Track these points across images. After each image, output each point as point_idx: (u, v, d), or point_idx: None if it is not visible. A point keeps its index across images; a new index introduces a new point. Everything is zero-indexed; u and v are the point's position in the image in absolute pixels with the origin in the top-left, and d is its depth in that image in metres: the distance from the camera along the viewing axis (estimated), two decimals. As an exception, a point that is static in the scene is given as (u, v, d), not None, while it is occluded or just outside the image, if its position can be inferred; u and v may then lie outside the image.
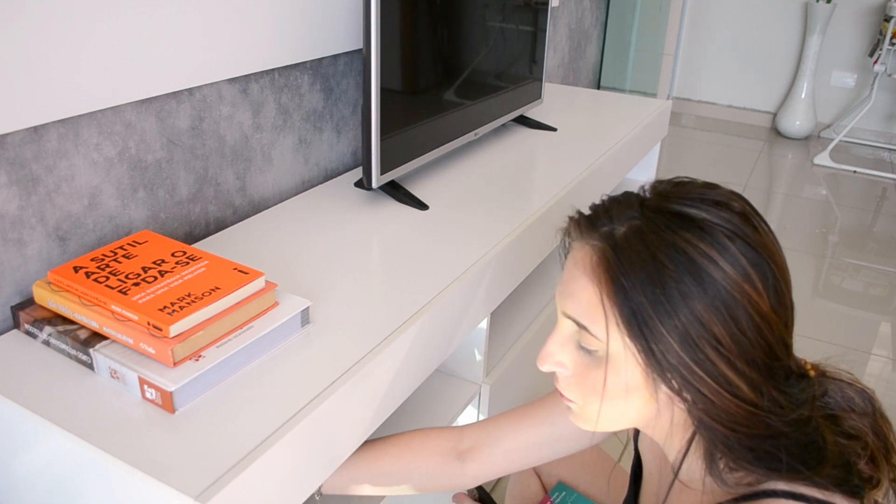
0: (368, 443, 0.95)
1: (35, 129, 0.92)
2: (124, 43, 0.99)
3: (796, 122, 3.84)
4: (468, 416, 1.29)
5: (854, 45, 3.75)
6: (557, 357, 0.67)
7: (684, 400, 0.60)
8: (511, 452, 0.89)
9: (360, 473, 0.92)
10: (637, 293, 0.58)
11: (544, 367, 0.68)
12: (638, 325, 0.59)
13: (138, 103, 1.05)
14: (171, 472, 0.68)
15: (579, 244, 0.64)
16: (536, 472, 1.12)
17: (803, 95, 3.81)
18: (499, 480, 1.44)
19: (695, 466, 0.66)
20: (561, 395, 0.69)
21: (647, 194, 0.64)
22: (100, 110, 0.99)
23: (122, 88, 1.00)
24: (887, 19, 3.38)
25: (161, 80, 1.06)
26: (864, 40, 3.72)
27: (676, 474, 0.68)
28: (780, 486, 0.60)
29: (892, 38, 3.35)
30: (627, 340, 0.60)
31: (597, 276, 0.61)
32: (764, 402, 0.59)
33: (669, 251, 0.58)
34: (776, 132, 3.98)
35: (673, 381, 0.59)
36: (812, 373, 0.64)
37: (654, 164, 2.23)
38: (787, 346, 0.61)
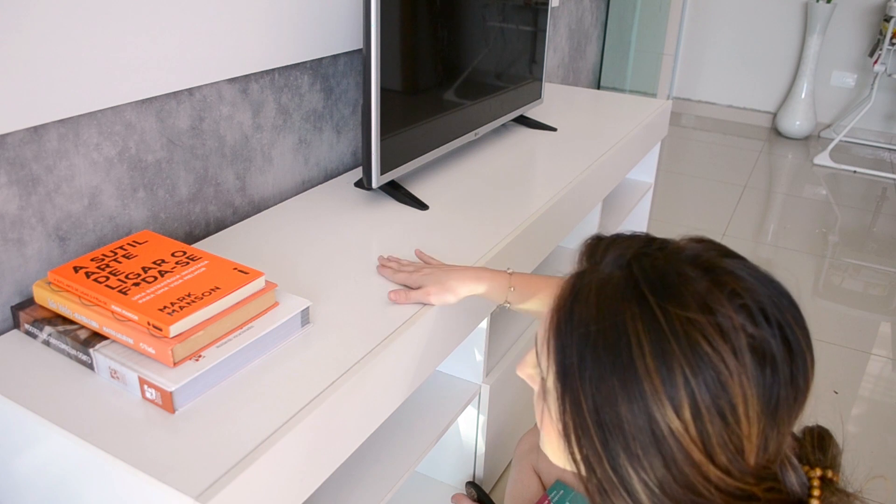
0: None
1: (35, 129, 0.92)
2: (124, 43, 0.99)
3: (796, 122, 3.83)
4: (468, 416, 1.29)
5: (854, 45, 3.74)
6: (529, 370, 0.67)
7: (580, 472, 0.56)
8: None
9: None
10: (571, 351, 0.54)
11: (519, 373, 0.68)
12: (563, 380, 0.55)
13: (138, 103, 1.05)
14: (171, 472, 0.68)
15: (575, 268, 0.60)
16: (536, 471, 1.12)
17: (803, 95, 3.80)
18: (498, 480, 1.44)
19: None
20: None
21: (656, 249, 0.57)
22: (100, 110, 0.99)
23: (122, 88, 1.00)
24: (887, 19, 3.38)
25: (161, 80, 1.06)
26: (864, 40, 3.72)
27: None
28: None
29: (892, 38, 3.35)
30: (554, 385, 0.57)
31: (552, 311, 0.57)
32: None
33: (612, 332, 0.52)
34: (776, 132, 3.98)
35: (576, 449, 0.55)
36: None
37: (654, 164, 2.23)
38: (716, 483, 0.52)
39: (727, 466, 0.52)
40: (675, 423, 0.50)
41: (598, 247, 0.59)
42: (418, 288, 0.99)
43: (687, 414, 0.50)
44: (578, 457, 0.55)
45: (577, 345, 0.54)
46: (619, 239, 0.59)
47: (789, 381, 0.52)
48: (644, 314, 0.52)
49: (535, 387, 0.65)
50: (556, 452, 0.62)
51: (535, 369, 0.65)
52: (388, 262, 1.07)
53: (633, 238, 0.59)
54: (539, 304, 0.96)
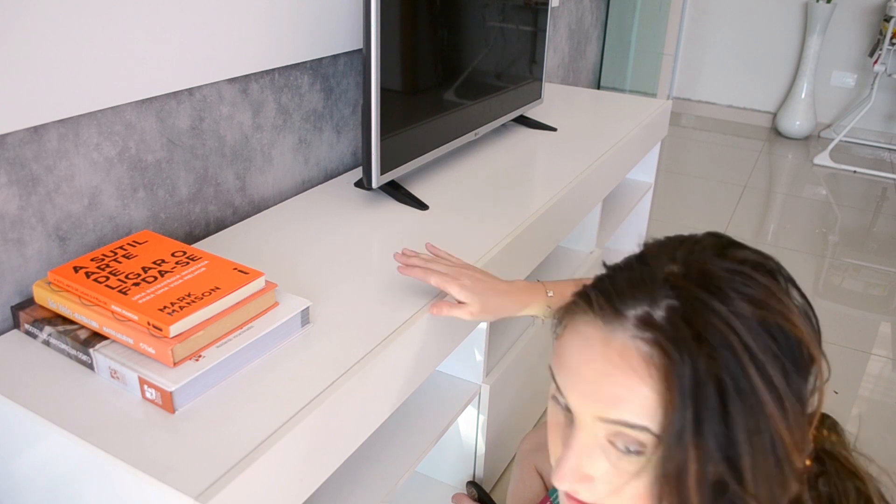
0: None
1: (35, 129, 0.92)
2: (124, 43, 0.99)
3: (796, 122, 3.83)
4: (468, 416, 1.29)
5: (854, 45, 3.74)
6: (586, 470, 0.56)
7: None
8: None
9: None
10: (692, 395, 0.51)
11: (566, 486, 0.57)
12: (692, 430, 0.51)
13: (138, 103, 1.05)
14: (171, 472, 0.68)
15: (602, 333, 0.54)
16: (538, 471, 1.12)
17: (803, 95, 3.80)
18: (499, 480, 1.44)
19: None
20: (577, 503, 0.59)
21: (668, 265, 0.55)
22: (100, 110, 0.99)
23: (122, 88, 1.00)
24: (887, 19, 3.38)
25: (161, 80, 1.06)
26: (864, 40, 3.72)
27: None
28: None
29: (892, 38, 3.35)
30: (677, 443, 0.52)
31: (656, 373, 0.52)
32: None
33: (722, 344, 0.51)
34: (776, 132, 3.98)
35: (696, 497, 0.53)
36: (809, 462, 0.57)
37: (654, 164, 2.23)
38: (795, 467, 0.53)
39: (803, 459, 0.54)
40: (784, 433, 0.51)
41: (616, 298, 0.55)
42: (460, 303, 0.94)
43: (785, 412, 0.52)
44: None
45: (700, 390, 0.51)
46: (624, 281, 0.56)
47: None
48: (724, 312, 0.52)
49: (594, 482, 0.57)
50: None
51: (594, 465, 0.56)
52: (411, 261, 0.98)
53: (633, 273, 0.57)
54: None
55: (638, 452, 0.54)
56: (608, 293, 0.55)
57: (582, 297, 0.58)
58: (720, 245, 0.57)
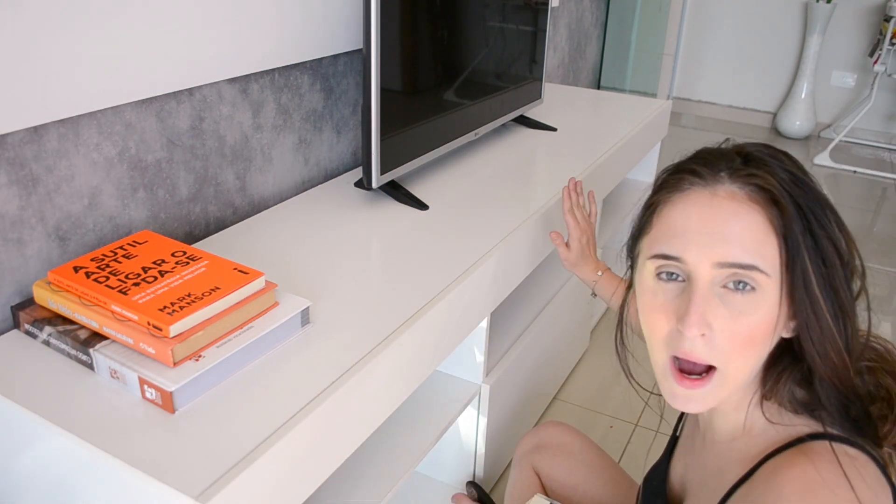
0: None
1: (35, 129, 0.92)
2: (124, 43, 0.99)
3: (796, 122, 3.83)
4: (468, 416, 1.29)
5: (854, 45, 3.74)
6: (708, 318, 0.63)
7: (797, 331, 0.64)
8: None
9: None
10: (791, 217, 0.62)
11: (697, 331, 0.63)
12: (794, 249, 0.62)
13: (138, 103, 1.05)
14: (171, 472, 0.68)
15: (707, 190, 0.65)
16: (536, 471, 1.12)
17: (803, 95, 3.80)
18: (499, 480, 1.44)
19: (737, 419, 0.70)
20: (689, 382, 0.66)
21: (727, 147, 0.69)
22: (100, 110, 0.99)
23: (122, 88, 1.00)
24: (887, 19, 3.38)
25: (161, 80, 1.06)
26: (864, 40, 3.72)
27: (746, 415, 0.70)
28: (818, 428, 0.64)
29: (892, 38, 3.35)
30: (783, 269, 0.62)
31: (760, 205, 0.63)
32: (848, 335, 0.64)
33: (819, 207, 0.63)
34: (776, 132, 3.98)
35: (801, 310, 0.63)
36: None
37: (654, 164, 2.23)
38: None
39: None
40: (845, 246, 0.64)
41: (708, 164, 0.67)
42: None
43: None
44: (828, 310, 0.63)
45: (797, 211, 0.62)
46: (704, 154, 0.69)
47: None
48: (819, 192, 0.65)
49: (712, 332, 0.64)
50: (755, 364, 0.65)
51: (712, 313, 0.63)
52: (571, 196, 1.24)
53: (707, 150, 0.69)
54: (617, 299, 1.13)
55: (752, 289, 0.62)
56: (703, 162, 0.67)
57: (682, 171, 0.68)
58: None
